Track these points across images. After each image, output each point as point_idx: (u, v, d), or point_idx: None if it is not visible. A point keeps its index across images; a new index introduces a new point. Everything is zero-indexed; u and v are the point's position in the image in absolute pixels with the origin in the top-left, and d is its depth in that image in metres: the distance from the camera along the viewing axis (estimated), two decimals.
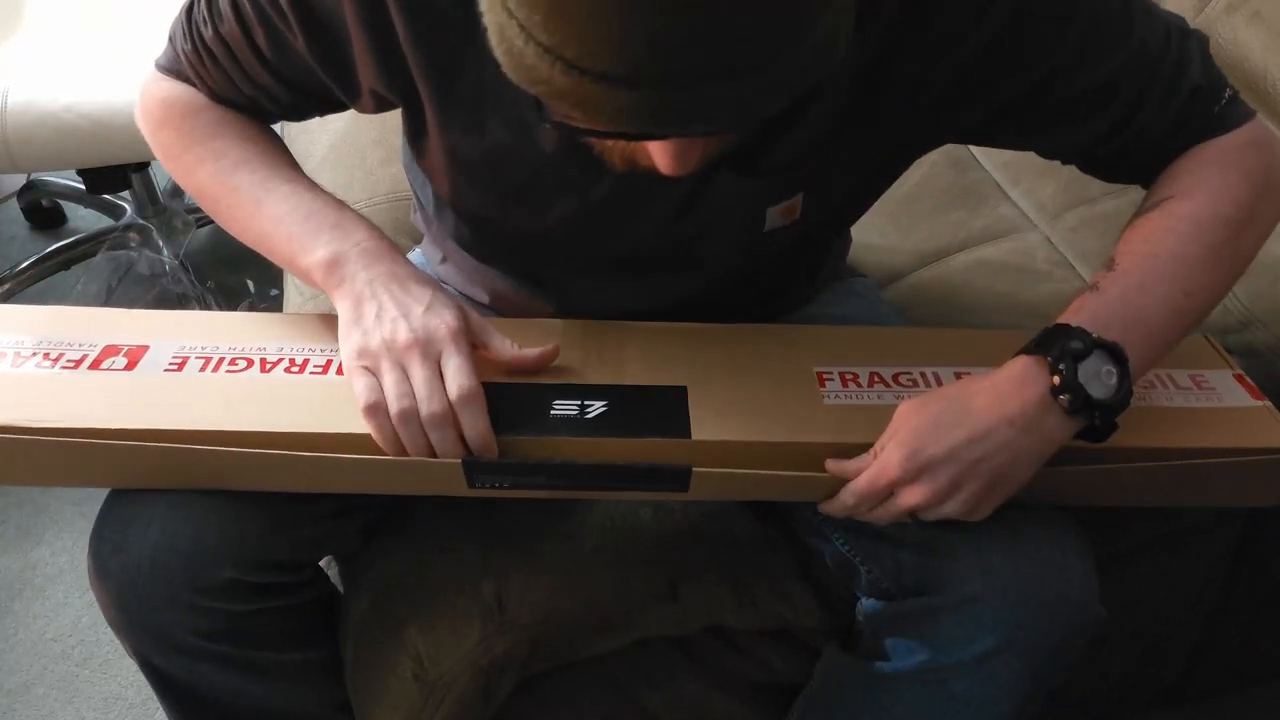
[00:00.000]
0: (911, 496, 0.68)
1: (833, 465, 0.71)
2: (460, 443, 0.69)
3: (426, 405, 0.67)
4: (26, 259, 1.77)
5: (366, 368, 0.69)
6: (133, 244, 1.75)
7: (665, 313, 0.82)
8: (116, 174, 1.60)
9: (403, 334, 0.69)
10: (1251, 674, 1.26)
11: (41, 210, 1.97)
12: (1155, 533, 1.04)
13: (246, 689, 0.81)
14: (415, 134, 0.78)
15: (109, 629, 0.74)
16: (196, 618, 0.74)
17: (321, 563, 0.90)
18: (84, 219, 1.98)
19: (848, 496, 0.71)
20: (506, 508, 0.87)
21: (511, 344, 0.74)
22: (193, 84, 0.81)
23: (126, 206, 1.82)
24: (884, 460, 0.69)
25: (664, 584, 0.84)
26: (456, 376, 0.68)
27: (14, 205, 1.98)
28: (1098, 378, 0.66)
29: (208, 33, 0.77)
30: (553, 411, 0.72)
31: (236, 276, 1.78)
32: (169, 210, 1.80)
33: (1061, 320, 0.69)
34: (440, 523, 0.88)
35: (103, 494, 0.77)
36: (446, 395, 0.68)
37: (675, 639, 0.87)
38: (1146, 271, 0.71)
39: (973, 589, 0.72)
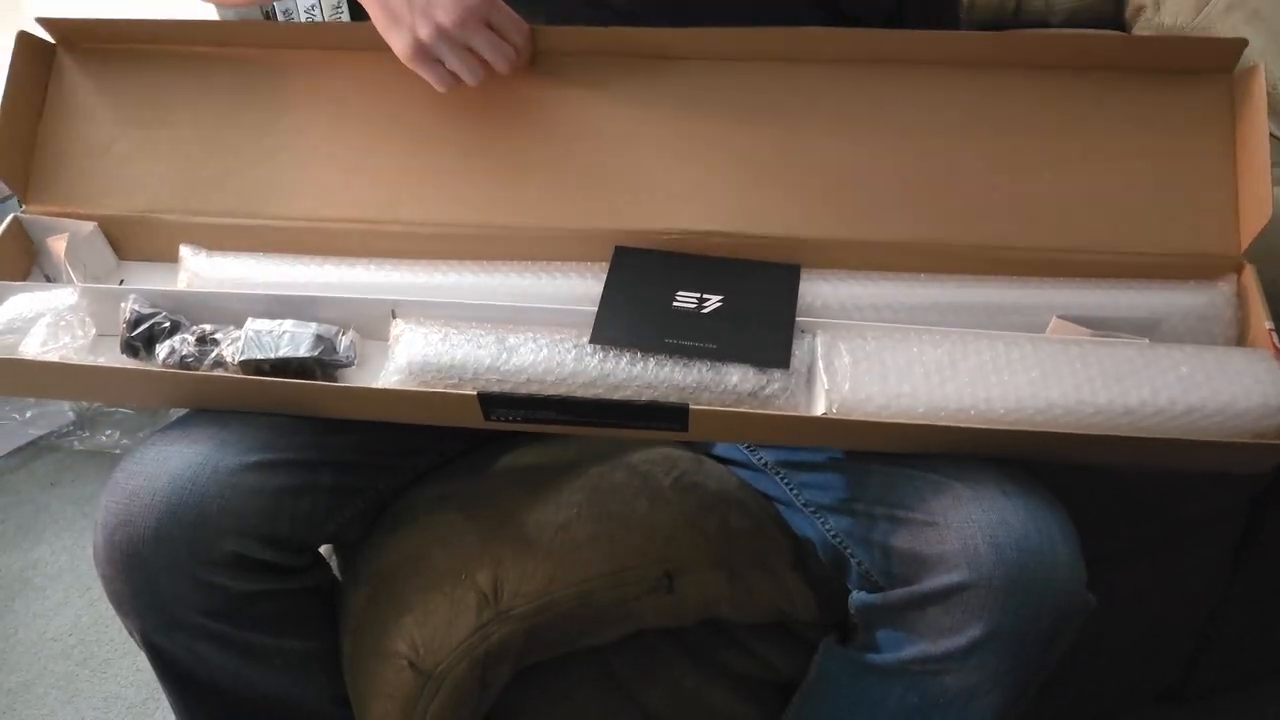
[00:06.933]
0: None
1: None
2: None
3: (501, 64, 0.78)
4: None
5: (432, 60, 0.76)
6: None
7: None
8: None
9: (444, 14, 0.74)
10: (1252, 673, 1.26)
11: None
12: (1155, 530, 1.04)
13: (245, 674, 0.82)
14: None
15: (109, 629, 0.74)
16: (199, 592, 0.75)
17: (323, 552, 0.90)
18: None
19: None
20: (503, 497, 0.88)
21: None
22: None
23: None
24: None
25: (660, 575, 0.84)
26: (513, 30, 0.78)
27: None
28: None
29: None
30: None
31: None
32: None
33: None
34: (438, 514, 0.88)
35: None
36: (511, 47, 0.78)
37: (672, 632, 0.87)
38: None
39: (959, 577, 0.72)
